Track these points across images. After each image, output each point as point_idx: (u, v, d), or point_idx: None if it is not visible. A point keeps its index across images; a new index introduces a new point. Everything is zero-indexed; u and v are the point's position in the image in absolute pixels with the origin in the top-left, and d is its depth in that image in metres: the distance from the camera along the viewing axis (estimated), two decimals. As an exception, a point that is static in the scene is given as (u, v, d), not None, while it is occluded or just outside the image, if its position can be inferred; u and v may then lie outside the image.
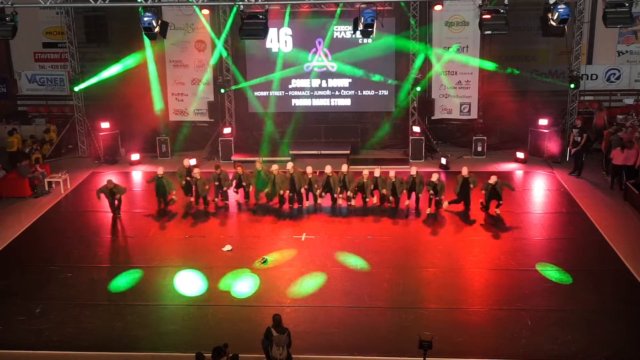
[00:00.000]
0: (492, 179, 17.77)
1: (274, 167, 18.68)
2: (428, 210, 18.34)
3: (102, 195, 18.41)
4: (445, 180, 19.00)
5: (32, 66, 26.41)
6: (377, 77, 23.30)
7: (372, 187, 18.57)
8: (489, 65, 22.73)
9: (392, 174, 18.52)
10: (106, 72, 23.17)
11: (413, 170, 18.54)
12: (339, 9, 22.40)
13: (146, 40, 21.85)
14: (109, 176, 22.13)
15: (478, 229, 17.40)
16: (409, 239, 17.06)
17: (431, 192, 18.15)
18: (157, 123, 23.80)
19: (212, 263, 15.80)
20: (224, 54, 23.25)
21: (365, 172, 18.56)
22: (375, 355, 12.29)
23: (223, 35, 22.88)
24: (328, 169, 18.65)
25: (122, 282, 15.02)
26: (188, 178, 18.92)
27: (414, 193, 18.60)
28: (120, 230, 17.95)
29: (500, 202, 17.83)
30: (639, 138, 19.76)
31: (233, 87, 23.77)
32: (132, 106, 23.21)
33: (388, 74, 23.42)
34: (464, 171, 18.09)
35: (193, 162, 22.01)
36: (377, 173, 18.61)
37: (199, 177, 18.61)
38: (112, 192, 18.25)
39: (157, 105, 23.63)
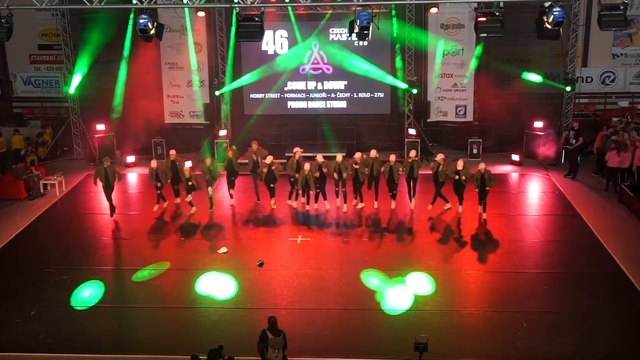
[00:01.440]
0: (481, 167, 17.57)
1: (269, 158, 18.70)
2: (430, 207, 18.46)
3: (99, 182, 18.30)
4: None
5: (28, 68, 26.36)
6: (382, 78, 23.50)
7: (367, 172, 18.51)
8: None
9: (392, 158, 18.44)
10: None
11: (412, 153, 18.66)
12: (328, 13, 22.44)
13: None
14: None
15: (473, 231, 17.41)
16: (405, 241, 17.07)
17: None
18: (153, 125, 23.76)
19: (208, 265, 15.79)
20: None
21: (358, 154, 18.66)
22: (371, 358, 12.28)
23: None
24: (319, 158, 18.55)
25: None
26: (158, 184, 18.51)
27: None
28: (116, 233, 17.89)
29: (484, 201, 17.82)
30: (631, 140, 19.82)
31: (226, 89, 23.71)
32: (127, 108, 23.18)
33: (383, 77, 23.48)
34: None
35: (189, 164, 21.93)
36: (373, 154, 18.66)
37: (187, 175, 18.21)
38: (106, 173, 17.98)
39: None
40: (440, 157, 18.31)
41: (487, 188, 17.63)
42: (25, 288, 14.84)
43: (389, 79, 23.31)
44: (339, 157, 18.59)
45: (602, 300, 13.98)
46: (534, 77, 23.08)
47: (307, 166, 18.16)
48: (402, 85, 23.21)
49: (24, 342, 12.89)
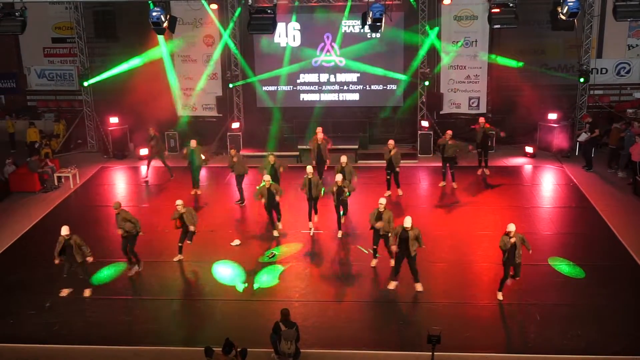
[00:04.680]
0: (511, 229, 13.24)
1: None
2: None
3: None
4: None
5: (42, 61, 26.48)
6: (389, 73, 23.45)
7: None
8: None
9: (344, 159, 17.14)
10: (119, 67, 23.22)
11: (343, 159, 17.46)
12: (348, 5, 22.35)
13: (160, 38, 22.01)
14: (119, 171, 22.30)
15: (487, 223, 17.34)
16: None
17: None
18: (166, 118, 23.77)
19: (221, 257, 15.84)
20: (232, 46, 23.32)
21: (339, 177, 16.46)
22: (384, 350, 12.30)
23: (228, 29, 22.90)
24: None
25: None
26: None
27: None
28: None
29: (518, 277, 13.68)
30: None
31: (240, 82, 23.74)
32: (141, 101, 23.22)
33: (396, 68, 23.40)
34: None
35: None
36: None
37: (184, 210, 15.38)
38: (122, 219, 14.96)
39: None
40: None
41: (529, 250, 13.71)
42: (39, 280, 14.96)
43: (396, 74, 23.31)
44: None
45: (617, 292, 13.91)
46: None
47: (309, 168, 17.23)
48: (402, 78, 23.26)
49: (39, 333, 13.02)
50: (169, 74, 23.59)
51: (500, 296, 13.71)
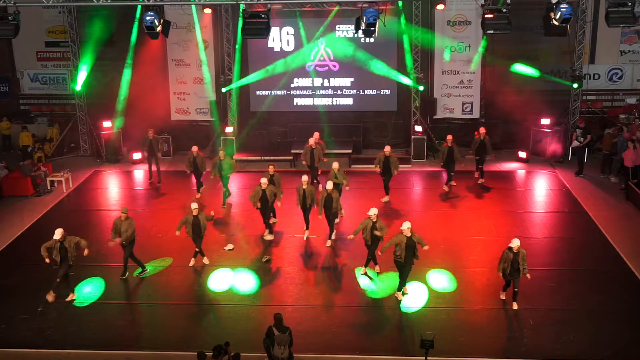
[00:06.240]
0: (515, 244, 13.34)
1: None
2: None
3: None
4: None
5: (35, 65, 26.38)
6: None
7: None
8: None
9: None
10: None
11: (335, 165, 17.61)
12: (335, 10, 22.35)
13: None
14: (112, 175, 22.25)
15: (480, 228, 17.37)
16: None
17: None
18: (160, 122, 23.72)
19: (214, 262, 15.81)
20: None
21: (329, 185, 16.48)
22: (377, 355, 12.30)
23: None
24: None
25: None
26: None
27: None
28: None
29: (517, 289, 13.56)
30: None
31: (233, 86, 23.73)
32: (134, 105, 23.20)
33: (390, 73, 23.42)
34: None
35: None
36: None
37: (196, 213, 15.39)
38: (121, 227, 15.00)
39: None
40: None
41: (527, 274, 13.48)
42: (32, 284, 14.89)
43: (398, 76, 23.20)
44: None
45: (609, 297, 13.95)
46: (528, 70, 22.96)
47: (304, 178, 16.83)
48: (408, 82, 23.10)
49: (31, 338, 12.96)
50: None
51: (502, 295, 13.88)
